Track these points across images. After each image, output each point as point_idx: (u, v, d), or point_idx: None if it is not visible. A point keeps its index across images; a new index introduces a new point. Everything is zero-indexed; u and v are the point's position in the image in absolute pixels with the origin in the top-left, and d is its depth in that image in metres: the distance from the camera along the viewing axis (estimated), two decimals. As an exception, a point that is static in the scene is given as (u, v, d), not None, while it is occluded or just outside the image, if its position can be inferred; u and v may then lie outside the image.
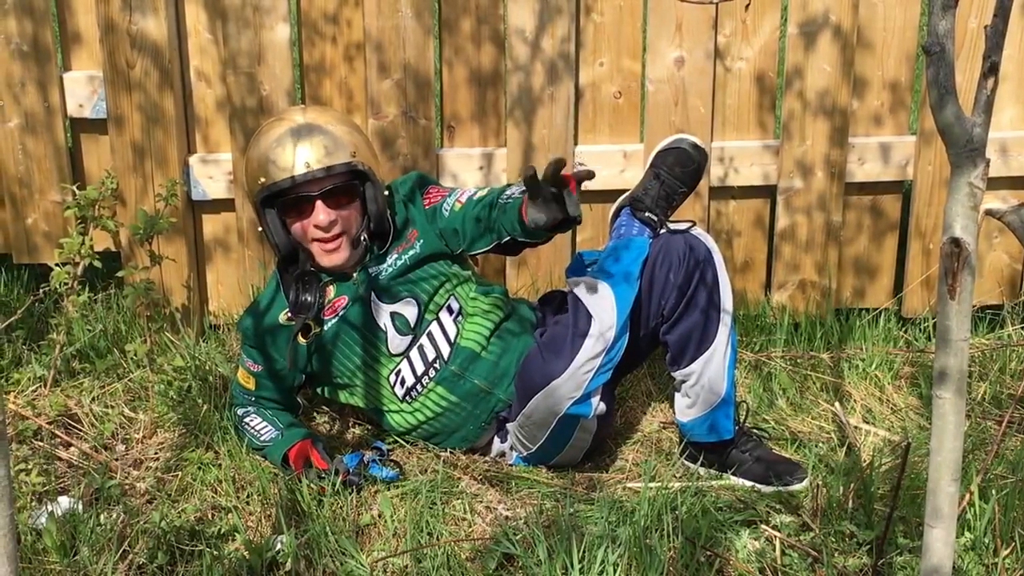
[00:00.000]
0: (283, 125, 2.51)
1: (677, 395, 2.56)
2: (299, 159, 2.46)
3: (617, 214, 2.74)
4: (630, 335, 2.42)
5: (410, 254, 2.57)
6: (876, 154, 3.06)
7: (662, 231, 2.59)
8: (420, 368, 2.54)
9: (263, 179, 2.49)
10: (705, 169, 2.77)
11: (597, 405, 2.40)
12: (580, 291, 2.46)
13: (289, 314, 2.56)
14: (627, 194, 2.76)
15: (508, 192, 2.48)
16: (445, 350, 2.54)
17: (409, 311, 2.55)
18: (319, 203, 2.48)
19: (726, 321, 2.47)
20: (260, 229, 2.57)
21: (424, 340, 2.54)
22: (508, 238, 2.46)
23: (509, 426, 2.54)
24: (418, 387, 2.55)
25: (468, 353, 2.53)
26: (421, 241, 2.58)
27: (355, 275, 2.57)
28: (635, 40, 3.00)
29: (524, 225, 2.34)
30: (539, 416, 2.41)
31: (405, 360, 2.55)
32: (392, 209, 2.61)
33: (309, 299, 2.54)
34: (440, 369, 2.53)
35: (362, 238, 2.55)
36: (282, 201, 2.50)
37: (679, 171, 2.68)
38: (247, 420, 2.60)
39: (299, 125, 2.49)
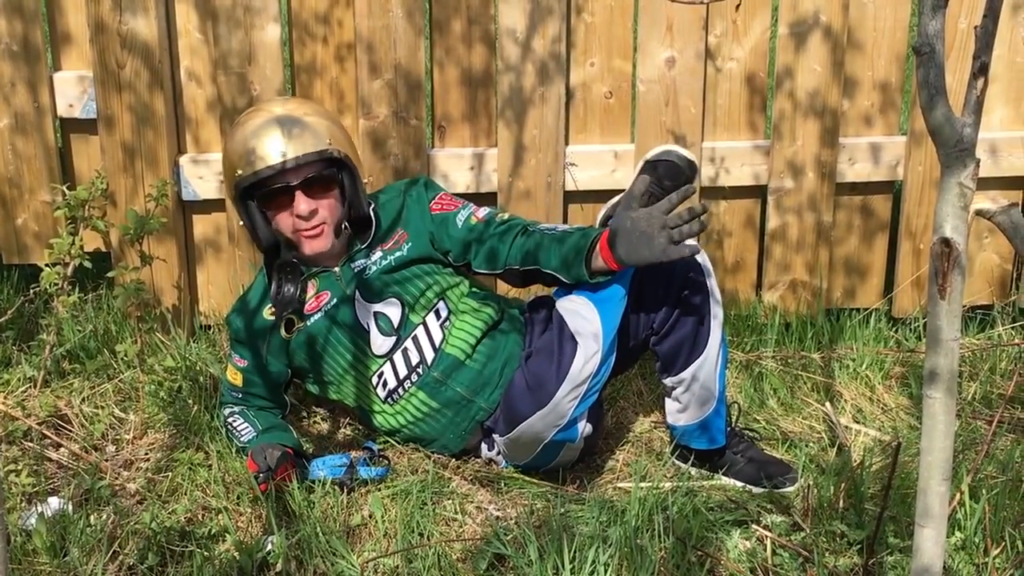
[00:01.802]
0: (260, 116, 2.50)
1: (668, 399, 2.55)
2: (274, 149, 2.44)
3: (605, 222, 2.72)
4: (618, 346, 2.39)
5: (396, 255, 2.56)
6: (866, 154, 3.06)
7: None
8: (403, 371, 2.53)
9: (239, 171, 2.48)
10: (696, 182, 2.73)
11: (584, 428, 2.39)
12: (566, 313, 2.39)
13: (272, 307, 2.56)
14: (613, 201, 2.74)
15: (545, 226, 2.49)
16: (429, 355, 2.52)
17: (392, 312, 2.54)
18: (299, 193, 2.47)
19: (717, 329, 2.45)
20: (240, 223, 2.56)
21: (408, 343, 2.53)
22: (531, 267, 2.46)
23: (496, 439, 2.53)
24: (399, 390, 2.53)
25: (452, 360, 2.51)
26: (410, 244, 2.57)
27: (338, 269, 2.57)
28: (626, 40, 3.00)
29: (588, 264, 2.35)
30: (526, 440, 2.38)
31: (388, 362, 2.53)
32: (377, 203, 2.61)
33: (290, 291, 2.53)
34: (423, 374, 2.52)
35: (344, 226, 2.54)
36: (261, 193, 2.49)
37: (669, 184, 2.60)
38: (230, 420, 2.59)
39: (276, 116, 2.48)
